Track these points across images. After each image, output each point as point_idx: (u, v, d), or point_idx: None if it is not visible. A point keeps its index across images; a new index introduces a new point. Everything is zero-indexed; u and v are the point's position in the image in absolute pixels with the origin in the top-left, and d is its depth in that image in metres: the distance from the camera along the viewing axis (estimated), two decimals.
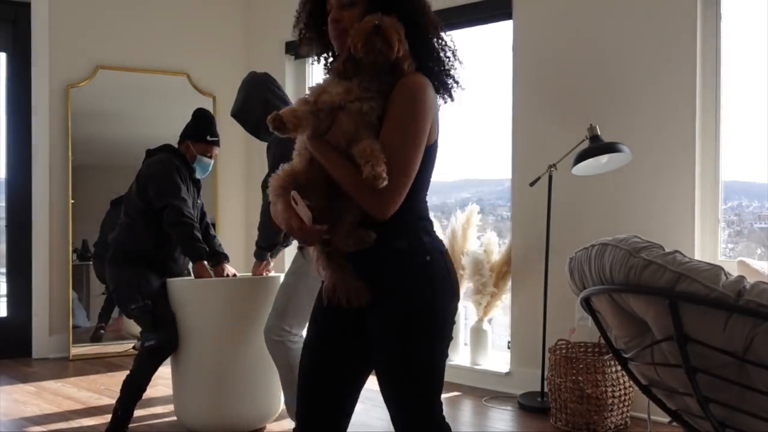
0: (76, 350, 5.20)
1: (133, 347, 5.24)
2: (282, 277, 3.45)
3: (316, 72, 5.60)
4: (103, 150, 5.48)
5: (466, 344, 4.69)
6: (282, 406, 3.61)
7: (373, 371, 1.83)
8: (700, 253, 3.67)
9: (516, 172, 4.32)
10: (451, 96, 1.87)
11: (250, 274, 3.69)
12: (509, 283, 4.42)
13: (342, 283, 1.75)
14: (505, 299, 4.50)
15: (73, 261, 5.27)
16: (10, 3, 5.16)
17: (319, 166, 1.71)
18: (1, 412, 3.94)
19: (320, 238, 1.70)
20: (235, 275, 3.74)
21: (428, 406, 1.76)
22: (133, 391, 3.44)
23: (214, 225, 5.06)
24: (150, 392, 3.60)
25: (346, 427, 1.87)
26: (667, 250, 2.13)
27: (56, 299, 5.23)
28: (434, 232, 1.84)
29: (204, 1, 5.87)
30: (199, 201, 3.81)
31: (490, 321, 4.60)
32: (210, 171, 3.88)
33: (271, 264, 3.67)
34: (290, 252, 4.94)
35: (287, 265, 3.47)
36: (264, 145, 3.50)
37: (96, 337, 5.33)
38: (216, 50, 5.87)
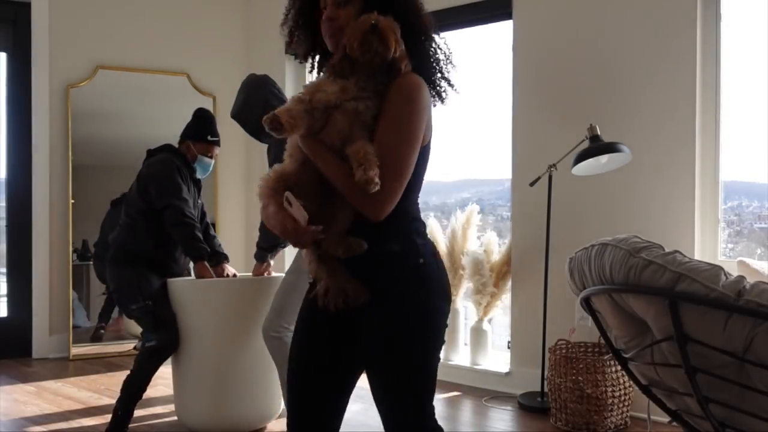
0: (76, 350, 5.20)
1: (134, 348, 5.24)
2: (283, 276, 3.46)
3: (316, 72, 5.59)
4: (103, 150, 5.48)
5: (466, 344, 4.69)
6: (283, 405, 3.61)
7: (365, 374, 1.82)
8: (700, 253, 3.67)
9: (516, 172, 4.32)
10: (441, 98, 1.86)
11: (251, 275, 3.69)
12: (509, 283, 4.42)
13: (337, 285, 1.72)
14: (505, 299, 4.50)
15: (73, 261, 5.27)
16: (10, 3, 5.16)
17: (311, 167, 1.69)
18: (1, 412, 3.94)
19: (315, 239, 1.68)
20: (235, 275, 3.74)
21: (421, 409, 1.75)
22: (133, 391, 3.44)
23: (214, 225, 5.07)
24: (150, 392, 3.61)
25: (338, 427, 1.85)
26: (667, 250, 2.13)
27: (56, 299, 5.23)
28: (426, 233, 1.82)
29: (204, 1, 5.87)
30: (199, 201, 3.82)
31: (490, 321, 4.60)
32: (211, 171, 3.88)
33: (272, 264, 3.67)
34: (290, 252, 4.94)
35: (287, 265, 3.48)
36: (264, 146, 3.50)
37: (96, 337, 5.33)
38: (216, 50, 5.87)
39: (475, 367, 4.51)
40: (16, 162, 5.22)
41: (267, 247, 3.51)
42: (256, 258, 3.63)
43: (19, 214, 5.20)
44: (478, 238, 4.63)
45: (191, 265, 3.69)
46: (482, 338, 4.53)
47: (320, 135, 1.67)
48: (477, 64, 5.04)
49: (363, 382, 1.84)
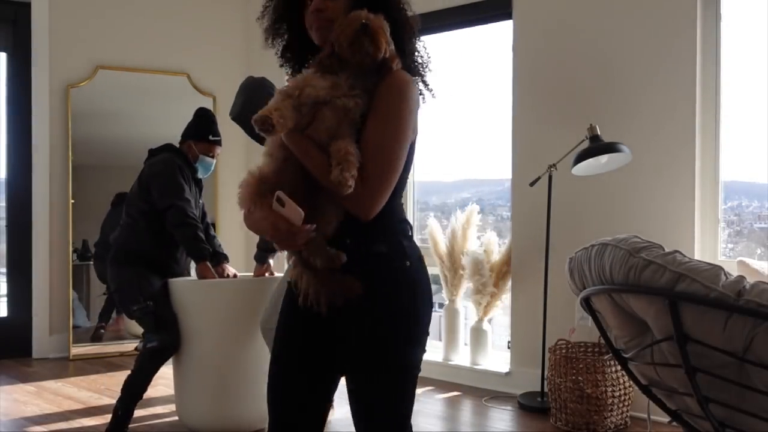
0: (77, 350, 5.20)
1: (135, 348, 5.23)
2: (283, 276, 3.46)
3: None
4: (103, 150, 5.48)
5: (466, 344, 4.69)
6: None
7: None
8: (700, 253, 3.67)
9: (516, 172, 4.32)
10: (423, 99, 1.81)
11: (252, 275, 3.69)
12: (509, 283, 4.42)
13: (324, 287, 1.67)
14: (505, 299, 4.50)
15: (73, 261, 5.27)
16: (10, 3, 5.16)
17: (292, 166, 1.64)
18: (1, 412, 3.94)
19: (309, 238, 1.62)
20: (235, 276, 3.74)
21: (402, 415, 1.73)
22: (134, 391, 3.44)
23: (214, 225, 5.07)
24: (150, 392, 3.60)
25: (321, 429, 1.81)
26: (667, 250, 2.13)
27: (56, 299, 5.23)
28: (412, 236, 1.79)
29: (204, 1, 5.87)
30: (200, 201, 3.81)
31: (490, 321, 4.60)
32: (212, 170, 3.88)
33: (272, 265, 3.68)
34: None
35: (287, 265, 3.48)
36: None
37: (96, 337, 5.33)
38: (216, 50, 5.87)
39: (475, 367, 4.51)
40: (16, 162, 5.22)
41: (267, 248, 3.51)
42: (256, 259, 3.63)
43: (19, 214, 5.20)
44: (478, 238, 4.63)
45: (192, 265, 3.69)
46: (482, 338, 4.53)
47: (307, 131, 1.63)
48: (477, 64, 5.04)
49: None
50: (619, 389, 3.59)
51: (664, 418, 3.02)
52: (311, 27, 1.74)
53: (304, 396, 1.75)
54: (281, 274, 3.55)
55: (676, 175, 3.74)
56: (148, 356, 3.47)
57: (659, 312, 2.06)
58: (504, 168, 4.58)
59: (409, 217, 5.00)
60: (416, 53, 1.79)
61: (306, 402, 1.75)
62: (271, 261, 3.66)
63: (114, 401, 3.50)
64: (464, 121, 5.08)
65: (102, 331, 5.35)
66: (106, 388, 4.40)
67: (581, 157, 3.66)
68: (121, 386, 3.47)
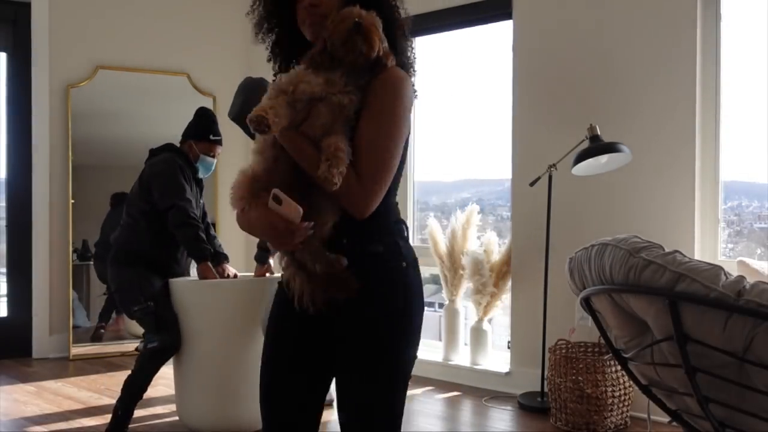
0: (76, 350, 5.20)
1: (136, 349, 5.23)
2: None
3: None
4: (103, 150, 5.48)
5: (466, 344, 4.68)
6: None
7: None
8: (700, 253, 3.67)
9: (516, 172, 4.32)
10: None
11: (253, 275, 3.69)
12: (509, 283, 4.42)
13: (322, 286, 1.64)
14: (505, 299, 4.50)
15: (73, 261, 5.27)
16: (10, 3, 5.16)
17: (284, 164, 1.61)
18: (1, 412, 3.94)
19: (307, 236, 1.59)
20: (236, 275, 3.74)
21: (395, 414, 1.71)
22: (134, 391, 3.44)
23: (214, 225, 5.06)
24: (151, 392, 3.60)
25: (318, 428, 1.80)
26: (667, 250, 2.13)
27: (56, 299, 5.23)
28: (407, 237, 1.77)
29: (204, 1, 5.87)
30: (201, 201, 3.81)
31: (490, 321, 4.60)
32: (213, 170, 3.88)
33: (273, 265, 3.68)
34: None
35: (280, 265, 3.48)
36: None
37: (96, 337, 5.33)
38: (216, 50, 5.87)
39: (475, 367, 4.51)
40: (16, 162, 5.22)
41: (268, 247, 3.51)
42: (257, 260, 3.62)
43: (19, 214, 5.20)
44: (478, 238, 4.63)
45: (192, 265, 3.69)
46: (482, 338, 4.53)
47: (302, 127, 1.60)
48: (477, 64, 5.04)
49: None
50: (619, 389, 3.59)
51: (664, 418, 3.02)
52: (304, 22, 1.72)
53: (304, 396, 1.74)
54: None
55: (676, 175, 3.74)
56: (148, 356, 3.47)
57: (659, 312, 2.06)
58: (504, 168, 4.59)
59: (409, 217, 5.05)
60: (406, 52, 1.77)
61: (306, 402, 1.75)
62: (271, 261, 3.66)
63: (114, 401, 3.50)
64: (464, 121, 5.08)
65: (102, 331, 5.35)
66: (106, 388, 4.40)
67: (581, 157, 3.66)
68: (121, 386, 3.47)
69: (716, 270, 2.01)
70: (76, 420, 3.79)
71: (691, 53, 3.70)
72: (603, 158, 3.70)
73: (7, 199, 5.25)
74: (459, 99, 5.07)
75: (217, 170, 5.56)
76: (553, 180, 3.95)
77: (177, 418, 3.70)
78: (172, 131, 3.93)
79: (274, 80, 1.71)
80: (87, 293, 5.42)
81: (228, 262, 3.76)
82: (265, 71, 3.69)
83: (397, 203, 1.79)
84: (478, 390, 4.36)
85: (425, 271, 5.25)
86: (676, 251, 2.11)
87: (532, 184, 4.00)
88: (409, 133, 1.72)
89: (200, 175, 3.78)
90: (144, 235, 3.59)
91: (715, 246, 3.70)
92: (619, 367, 3.55)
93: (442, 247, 4.64)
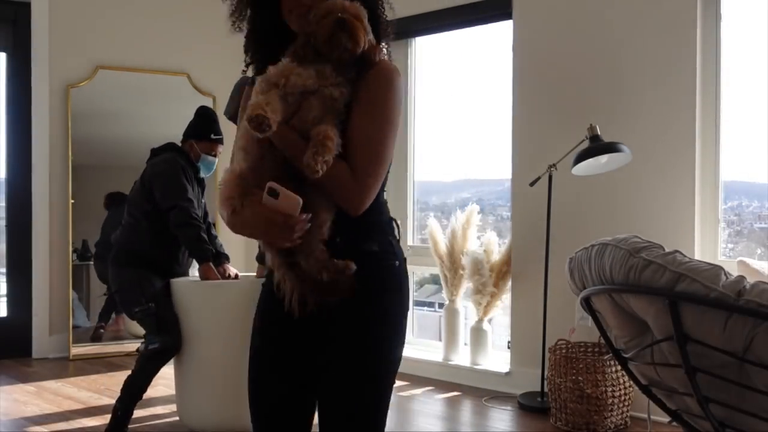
0: (76, 350, 5.20)
1: (137, 350, 5.23)
2: None
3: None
4: (103, 150, 5.48)
5: (466, 344, 4.68)
6: None
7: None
8: (700, 253, 3.67)
9: (516, 172, 4.32)
10: None
11: (255, 275, 3.69)
12: (509, 283, 4.42)
13: (316, 288, 1.59)
14: (505, 299, 4.50)
15: (73, 261, 5.27)
16: (10, 3, 5.16)
17: (271, 160, 1.55)
18: (1, 412, 3.94)
19: (305, 230, 1.53)
20: (236, 275, 3.74)
21: (383, 413, 1.68)
22: (133, 391, 3.43)
23: (214, 225, 5.06)
24: (150, 392, 3.60)
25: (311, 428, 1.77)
26: (667, 250, 2.13)
27: (56, 299, 5.23)
28: (399, 236, 1.76)
29: (204, 1, 5.87)
30: (203, 200, 3.81)
31: (490, 321, 4.60)
32: (214, 169, 3.87)
33: None
34: None
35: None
36: None
37: (96, 337, 5.33)
38: (216, 50, 5.86)
39: (475, 367, 4.51)
40: (16, 162, 5.22)
41: None
42: (258, 260, 3.62)
43: (19, 214, 5.20)
44: (478, 238, 4.63)
45: (193, 265, 3.68)
46: (482, 338, 4.53)
47: (291, 121, 1.54)
48: (477, 64, 5.04)
49: None
50: (619, 389, 3.59)
51: (664, 418, 3.02)
52: (290, 11, 1.67)
53: (288, 396, 1.71)
54: None
55: (676, 175, 3.74)
56: (149, 357, 3.47)
57: (659, 312, 2.06)
58: (504, 168, 4.59)
59: (409, 217, 5.05)
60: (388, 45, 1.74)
61: (291, 402, 1.71)
62: None
63: (114, 401, 3.50)
64: (464, 121, 5.08)
65: (101, 331, 5.35)
66: (106, 388, 4.40)
67: (581, 157, 3.66)
68: (121, 386, 3.47)
69: (716, 270, 2.01)
70: (76, 420, 3.79)
71: (691, 53, 3.70)
72: (603, 158, 3.70)
73: (7, 199, 5.25)
74: (459, 99, 5.07)
75: (218, 169, 5.56)
76: (553, 180, 3.95)
77: (177, 418, 3.70)
78: (172, 131, 3.92)
79: (244, 72, 1.67)
80: (87, 293, 5.42)
81: (229, 262, 3.76)
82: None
83: (386, 201, 1.76)
84: (478, 390, 4.36)
85: (425, 271, 5.27)
86: (676, 251, 2.11)
87: (532, 184, 4.00)
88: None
89: (202, 174, 3.78)
90: (145, 236, 3.58)
91: (715, 246, 3.70)
92: (619, 367, 3.55)
93: (442, 247, 4.64)
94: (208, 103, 5.59)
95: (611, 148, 3.62)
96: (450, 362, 4.62)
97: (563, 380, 3.63)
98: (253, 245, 3.62)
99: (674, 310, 2.00)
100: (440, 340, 4.81)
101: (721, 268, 2.03)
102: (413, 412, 4.00)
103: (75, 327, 5.24)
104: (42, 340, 5.21)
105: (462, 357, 4.63)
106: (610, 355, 2.60)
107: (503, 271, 4.43)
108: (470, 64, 5.07)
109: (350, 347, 1.65)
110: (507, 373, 4.35)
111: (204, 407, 3.51)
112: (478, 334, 4.53)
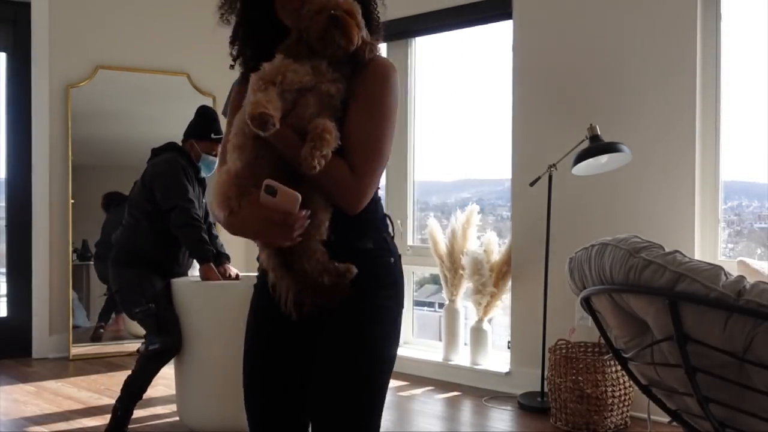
0: (76, 350, 5.20)
1: (137, 350, 5.23)
2: None
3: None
4: (103, 150, 5.48)
5: (466, 344, 4.68)
6: None
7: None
8: (700, 253, 3.67)
9: (516, 172, 4.32)
10: None
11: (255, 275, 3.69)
12: (509, 283, 4.42)
13: (312, 289, 1.57)
14: (505, 299, 4.50)
15: (73, 261, 5.27)
16: (10, 3, 5.16)
17: (266, 159, 1.52)
18: (1, 412, 3.94)
19: (305, 227, 1.51)
20: (237, 276, 3.74)
21: (378, 412, 1.66)
22: (133, 392, 3.43)
23: (215, 224, 5.06)
24: (150, 392, 3.61)
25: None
26: (667, 250, 2.13)
27: (56, 299, 5.23)
28: (393, 233, 1.75)
29: (204, 1, 5.86)
30: (204, 200, 3.80)
31: (490, 321, 4.60)
32: (215, 169, 3.87)
33: None
34: None
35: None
36: None
37: (96, 337, 5.33)
38: (216, 50, 5.82)
39: (475, 367, 4.51)
40: (16, 162, 5.22)
41: None
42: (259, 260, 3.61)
43: (19, 214, 5.20)
44: (478, 238, 4.63)
45: (194, 265, 3.68)
46: (482, 338, 4.53)
47: (288, 119, 1.52)
48: (477, 64, 5.04)
49: None
50: (619, 389, 3.59)
51: (664, 418, 3.02)
52: (283, 6, 1.65)
53: (281, 395, 1.70)
54: None
55: (676, 175, 3.74)
56: (149, 358, 3.47)
57: (659, 312, 2.06)
58: (504, 168, 4.59)
59: (409, 217, 5.05)
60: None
61: (284, 400, 1.70)
62: None
63: (114, 401, 3.50)
64: (464, 121, 5.08)
65: (101, 331, 5.35)
66: (106, 388, 4.40)
67: (581, 157, 3.66)
68: (121, 386, 3.47)
69: (716, 270, 2.01)
70: (76, 420, 3.79)
71: (691, 53, 3.70)
72: (603, 158, 3.70)
73: (7, 199, 5.25)
74: (459, 99, 5.07)
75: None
76: (553, 180, 3.95)
77: (177, 418, 3.70)
78: (172, 131, 3.92)
79: (231, 67, 1.65)
80: (87, 293, 5.42)
81: (230, 262, 3.76)
82: None
83: (380, 198, 1.75)
84: (478, 390, 4.36)
85: (425, 271, 5.27)
86: (676, 251, 2.10)
87: (532, 184, 4.00)
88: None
89: (202, 174, 3.78)
90: (146, 236, 3.58)
91: (715, 246, 3.70)
92: (619, 367, 3.55)
93: (442, 247, 4.64)
94: (208, 102, 5.59)
95: (611, 148, 3.62)
96: (450, 362, 4.62)
97: (563, 380, 3.63)
98: (253, 245, 3.61)
99: (674, 310, 2.00)
100: (440, 340, 4.81)
101: (721, 268, 2.03)
102: (413, 412, 4.00)
103: (75, 327, 5.24)
104: (42, 340, 5.21)
105: (462, 357, 4.63)
106: (610, 355, 2.60)
107: (503, 271, 4.43)
108: (470, 64, 5.07)
109: (344, 346, 1.64)
110: (507, 373, 4.35)
111: (204, 407, 3.52)
112: (478, 334, 4.54)
